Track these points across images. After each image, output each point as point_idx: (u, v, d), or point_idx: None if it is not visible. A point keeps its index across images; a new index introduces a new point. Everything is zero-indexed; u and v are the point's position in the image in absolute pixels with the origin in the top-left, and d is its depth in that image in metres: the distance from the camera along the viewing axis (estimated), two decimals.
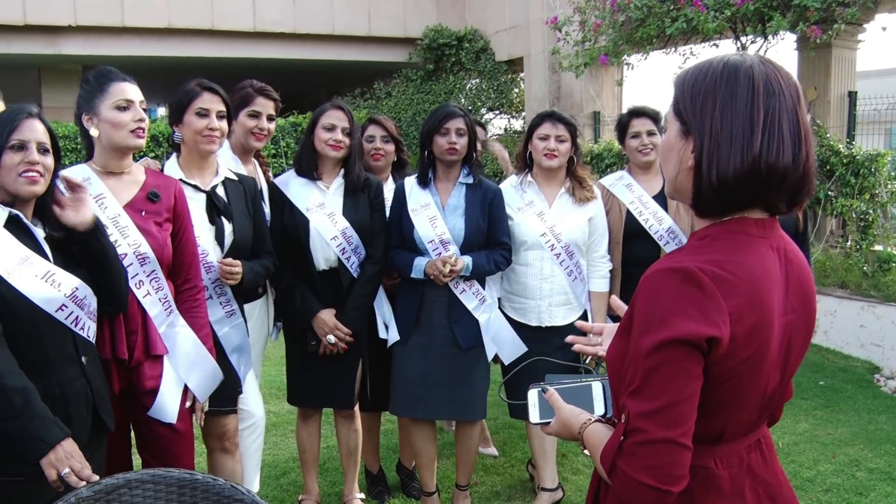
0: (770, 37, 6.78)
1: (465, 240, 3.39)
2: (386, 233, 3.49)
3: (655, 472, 1.27)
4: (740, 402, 1.39)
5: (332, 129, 3.35)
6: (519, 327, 3.56)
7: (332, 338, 3.34)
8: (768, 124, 1.31)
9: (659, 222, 3.67)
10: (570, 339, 1.89)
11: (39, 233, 2.26)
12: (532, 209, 3.54)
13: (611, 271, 3.68)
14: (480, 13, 13.56)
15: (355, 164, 3.43)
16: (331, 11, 13.38)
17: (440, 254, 3.35)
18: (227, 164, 3.24)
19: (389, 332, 3.52)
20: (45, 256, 2.23)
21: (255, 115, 3.38)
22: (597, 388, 1.59)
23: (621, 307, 1.76)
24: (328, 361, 3.41)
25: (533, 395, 1.62)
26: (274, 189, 3.43)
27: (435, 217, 3.40)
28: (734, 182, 1.32)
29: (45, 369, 2.17)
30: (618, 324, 1.73)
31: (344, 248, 3.37)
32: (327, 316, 3.35)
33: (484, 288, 3.47)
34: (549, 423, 1.57)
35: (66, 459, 2.01)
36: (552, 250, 3.47)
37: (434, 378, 3.41)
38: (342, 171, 3.44)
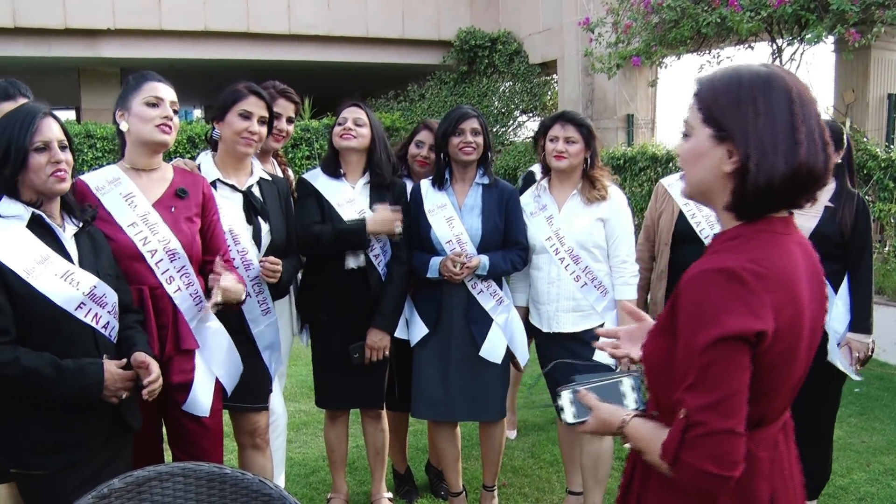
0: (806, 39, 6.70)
1: (483, 240, 3.39)
2: (409, 233, 3.49)
3: (718, 460, 1.37)
4: (779, 389, 1.49)
5: (344, 122, 3.40)
6: (536, 333, 3.56)
7: (398, 227, 3.34)
8: (806, 131, 1.41)
9: (710, 226, 3.58)
10: (596, 344, 1.94)
11: (63, 231, 2.30)
12: (543, 213, 3.50)
13: (656, 275, 3.63)
14: (514, 16, 13.56)
15: (380, 161, 3.44)
16: (365, 14, 13.48)
17: (465, 262, 3.34)
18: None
19: (411, 330, 3.52)
20: (67, 254, 2.27)
21: (276, 117, 3.43)
22: (626, 384, 1.66)
23: (634, 311, 1.90)
24: (358, 365, 3.42)
25: (565, 396, 1.67)
26: (304, 184, 3.45)
27: (452, 217, 3.40)
28: (780, 186, 1.41)
29: None
30: (632, 326, 1.87)
31: (373, 246, 3.40)
32: (382, 339, 3.39)
33: (501, 289, 3.48)
34: (586, 421, 1.64)
35: (118, 383, 2.22)
36: (556, 254, 3.42)
37: (454, 379, 3.42)
38: (367, 170, 3.46)
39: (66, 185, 2.27)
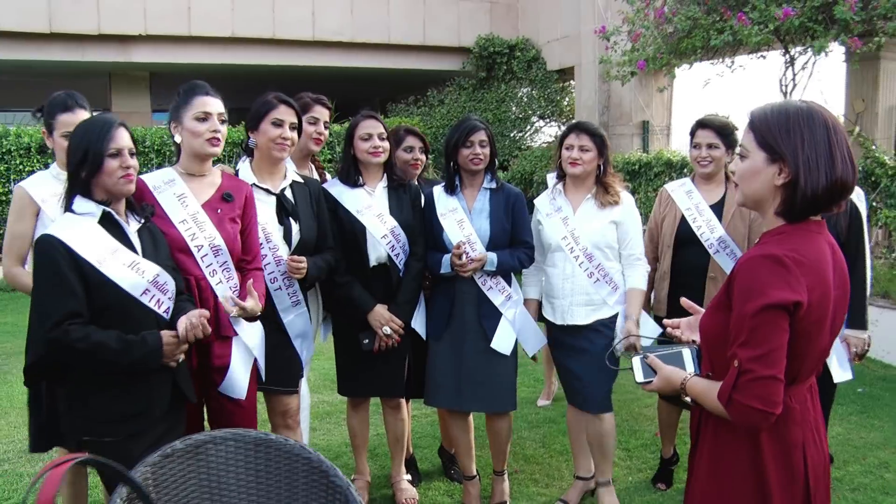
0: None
1: (491, 240, 3.65)
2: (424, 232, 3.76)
3: (763, 399, 1.77)
4: (809, 353, 1.88)
5: (369, 137, 3.63)
6: (551, 326, 3.80)
7: (387, 329, 3.61)
8: (840, 153, 1.82)
9: (711, 230, 3.81)
10: (667, 322, 2.35)
11: (129, 226, 2.61)
12: (559, 214, 3.76)
13: (662, 274, 3.88)
14: (533, 23, 13.81)
15: (395, 165, 3.74)
16: (387, 21, 13.77)
17: (468, 253, 3.59)
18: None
19: (420, 324, 3.79)
20: (133, 247, 2.58)
21: (314, 122, 3.70)
22: (686, 353, 2.05)
23: (692, 306, 2.32)
24: (380, 354, 3.67)
25: (636, 361, 2.09)
26: (325, 193, 3.69)
27: (462, 220, 3.66)
28: (822, 196, 1.82)
29: None
30: (691, 318, 2.28)
31: (393, 246, 3.65)
32: (382, 310, 3.63)
33: (510, 285, 3.73)
34: (652, 381, 2.05)
35: (171, 345, 2.50)
36: (571, 253, 3.67)
37: (467, 372, 3.66)
38: (384, 174, 3.73)
39: (133, 187, 2.58)
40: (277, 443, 2.22)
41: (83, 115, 3.14)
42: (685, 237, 3.87)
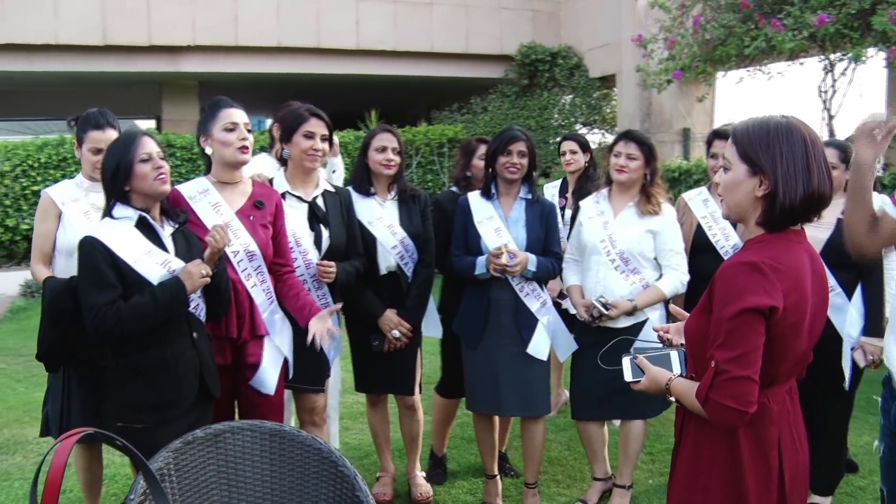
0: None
1: (527, 249, 3.74)
2: (433, 240, 3.90)
3: (737, 398, 1.86)
4: (785, 356, 1.96)
5: (383, 150, 3.78)
6: (583, 331, 3.87)
7: (396, 332, 3.76)
8: (817, 166, 1.91)
9: (726, 238, 3.89)
10: (656, 327, 2.45)
11: (163, 230, 2.80)
12: (600, 218, 3.85)
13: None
14: (575, 31, 13.86)
15: (402, 177, 3.89)
16: (430, 30, 13.95)
17: (509, 255, 3.67)
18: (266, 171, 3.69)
19: (428, 327, 3.99)
20: (166, 249, 2.76)
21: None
22: (674, 355, 2.15)
23: (680, 312, 2.43)
24: (389, 353, 3.83)
25: (626, 361, 2.18)
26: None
27: (500, 228, 3.76)
28: (799, 206, 1.91)
29: (163, 341, 2.71)
30: (679, 323, 2.39)
31: (402, 255, 3.81)
32: (391, 315, 3.79)
33: (543, 292, 3.83)
34: (640, 381, 2.14)
35: (194, 272, 2.68)
36: (607, 255, 3.76)
37: (504, 377, 3.75)
38: (394, 186, 3.88)
39: (168, 187, 2.78)
40: (291, 433, 2.38)
41: (112, 133, 3.33)
42: (701, 244, 3.95)
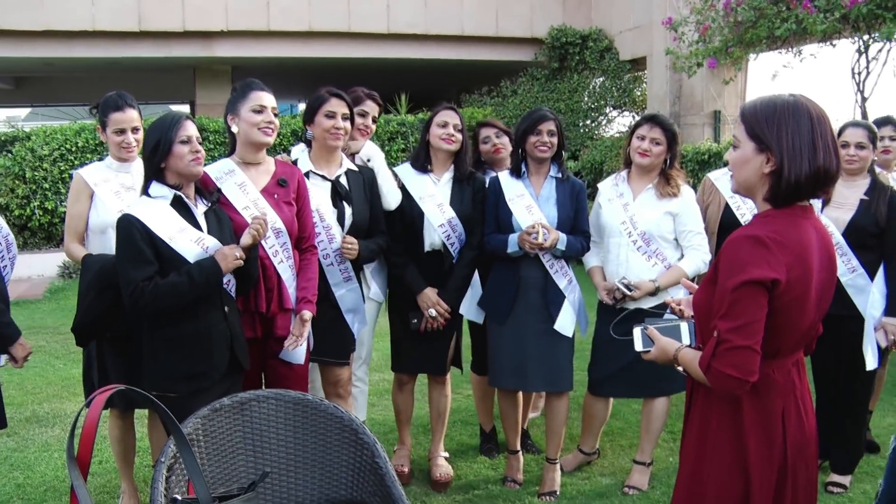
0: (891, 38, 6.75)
1: (557, 226, 3.78)
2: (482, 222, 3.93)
3: (738, 367, 1.92)
4: (790, 329, 2.01)
5: (445, 125, 3.85)
6: (605, 314, 3.93)
7: (433, 311, 3.83)
8: (822, 143, 1.94)
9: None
10: (668, 301, 2.50)
11: (197, 209, 2.93)
12: (620, 200, 3.90)
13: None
14: (605, 13, 13.77)
15: (465, 158, 3.93)
16: (461, 13, 13.93)
17: (536, 238, 3.70)
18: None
19: (467, 309, 4.04)
20: (199, 226, 2.89)
21: (364, 115, 3.92)
22: (684, 326, 2.20)
23: (691, 285, 2.49)
24: (427, 334, 3.90)
25: (637, 331, 2.26)
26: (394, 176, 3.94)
27: (531, 206, 3.81)
28: (804, 182, 1.95)
29: (196, 314, 2.84)
30: (691, 296, 2.41)
31: (449, 235, 3.86)
32: (431, 293, 3.85)
33: (570, 270, 3.88)
34: (650, 350, 2.22)
35: (228, 255, 2.81)
36: (629, 237, 3.80)
37: (531, 353, 3.81)
38: (452, 165, 3.93)
39: (201, 169, 2.92)
40: (314, 402, 2.48)
41: (132, 113, 3.47)
42: (729, 223, 3.96)
